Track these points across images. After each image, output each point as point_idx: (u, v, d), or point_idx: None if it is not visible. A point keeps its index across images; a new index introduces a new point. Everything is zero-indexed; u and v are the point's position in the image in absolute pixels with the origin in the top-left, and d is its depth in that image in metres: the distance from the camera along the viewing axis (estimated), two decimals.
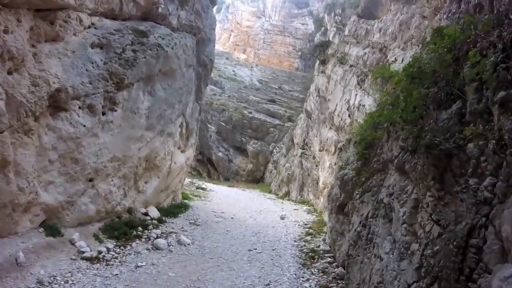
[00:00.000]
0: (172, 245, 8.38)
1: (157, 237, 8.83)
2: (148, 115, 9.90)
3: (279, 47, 42.72)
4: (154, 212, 10.65)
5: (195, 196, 16.09)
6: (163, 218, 10.58)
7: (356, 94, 13.28)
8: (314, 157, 19.22)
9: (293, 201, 19.33)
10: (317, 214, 14.08)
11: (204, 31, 14.09)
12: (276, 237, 9.91)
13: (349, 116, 13.51)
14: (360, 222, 5.91)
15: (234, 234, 9.76)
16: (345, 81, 15.13)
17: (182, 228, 9.86)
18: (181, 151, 12.75)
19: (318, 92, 19.46)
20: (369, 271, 4.68)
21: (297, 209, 15.57)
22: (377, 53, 13.28)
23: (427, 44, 4.38)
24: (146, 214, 10.42)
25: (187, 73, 12.21)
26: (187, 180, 22.80)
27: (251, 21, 44.74)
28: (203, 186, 20.33)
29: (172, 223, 10.40)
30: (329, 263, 7.74)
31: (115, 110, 8.89)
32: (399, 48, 11.84)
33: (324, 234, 10.26)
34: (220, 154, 33.17)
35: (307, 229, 11.27)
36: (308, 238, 9.99)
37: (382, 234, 4.67)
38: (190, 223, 10.57)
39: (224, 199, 16.11)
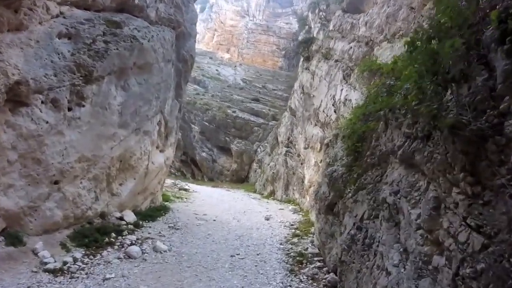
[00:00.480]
0: (147, 253, 7.53)
1: (131, 244, 7.98)
2: (121, 111, 9.04)
3: (263, 46, 42.14)
4: (130, 216, 9.78)
5: (177, 197, 15.21)
6: (140, 223, 9.72)
7: (342, 89, 12.69)
8: (299, 155, 18.59)
9: (278, 200, 18.62)
10: (303, 214, 13.39)
11: (185, 26, 13.29)
12: (260, 240, 9.14)
13: (334, 111, 12.91)
14: (354, 224, 5.20)
15: (215, 238, 8.95)
16: (330, 77, 14.53)
17: (160, 233, 9.01)
18: (160, 151, 11.88)
19: (302, 89, 18.84)
20: (371, 286, 3.95)
21: (282, 209, 14.85)
22: (363, 47, 12.73)
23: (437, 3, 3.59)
24: (121, 218, 9.55)
25: (165, 68, 11.38)
26: (170, 181, 21.87)
27: (235, 20, 44.05)
28: (186, 187, 19.44)
29: (150, 227, 9.55)
30: (319, 268, 7.00)
31: (83, 106, 8.03)
32: (386, 41, 11.29)
33: (311, 235, 9.57)
34: (204, 154, 32.25)
35: (293, 230, 10.56)
36: (295, 240, 9.27)
37: (387, 241, 3.90)
38: (169, 227, 9.73)
39: (207, 200, 15.29)
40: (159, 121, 11.48)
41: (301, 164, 17.87)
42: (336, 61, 14.44)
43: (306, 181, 15.95)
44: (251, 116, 31.73)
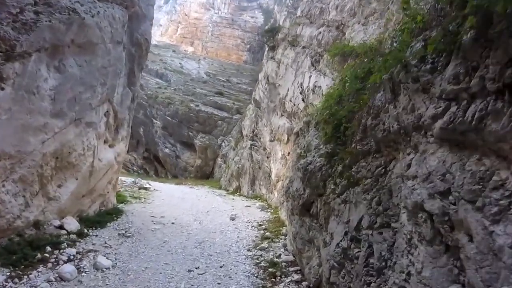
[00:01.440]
0: (86, 271, 5.90)
1: (69, 260, 6.34)
2: (55, 97, 7.27)
3: (228, 40, 40.49)
4: (72, 224, 8.06)
5: (134, 198, 13.48)
6: (85, 231, 8.03)
7: (311, 76, 11.55)
8: (264, 149, 17.37)
9: (244, 196, 17.29)
10: (272, 211, 12.12)
11: (139, 6, 11.56)
12: (225, 247, 7.69)
13: (302, 100, 11.75)
14: (346, 234, 3.93)
15: (172, 247, 7.39)
16: (297, 64, 13.36)
17: (105, 243, 7.34)
18: (109, 146, 10.14)
19: (267, 79, 17.57)
20: None
21: (249, 206, 13.49)
22: (333, 31, 11.62)
23: None
24: (61, 227, 7.82)
25: (114, 51, 9.66)
26: (130, 180, 19.92)
27: (200, 13, 42.00)
28: (146, 185, 17.63)
29: (96, 236, 7.88)
30: (297, 282, 5.62)
31: (2, 88, 6.24)
32: (359, 23, 10.21)
33: (283, 237, 8.30)
34: (166, 150, 30.29)
35: (262, 231, 9.22)
36: (265, 244, 7.91)
37: (434, 278, 2.39)
38: (119, 234, 8.09)
39: (168, 200, 13.65)
40: (107, 111, 9.75)
41: (267, 157, 16.67)
42: (304, 47, 13.28)
43: (273, 176, 14.77)
44: (214, 110, 30.14)
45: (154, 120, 31.16)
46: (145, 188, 16.92)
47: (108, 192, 10.41)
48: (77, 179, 8.42)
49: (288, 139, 12.54)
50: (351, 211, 3.94)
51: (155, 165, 32.65)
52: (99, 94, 8.93)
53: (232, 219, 10.50)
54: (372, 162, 3.66)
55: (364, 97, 4.04)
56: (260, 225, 9.88)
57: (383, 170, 3.45)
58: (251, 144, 19.03)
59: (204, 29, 40.88)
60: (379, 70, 3.50)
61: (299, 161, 7.20)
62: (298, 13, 15.10)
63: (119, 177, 21.04)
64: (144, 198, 13.76)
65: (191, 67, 37.06)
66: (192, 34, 41.33)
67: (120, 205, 11.64)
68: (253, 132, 19.45)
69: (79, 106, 8.06)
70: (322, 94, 10.32)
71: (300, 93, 11.94)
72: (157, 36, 41.87)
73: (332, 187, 4.65)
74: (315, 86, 10.87)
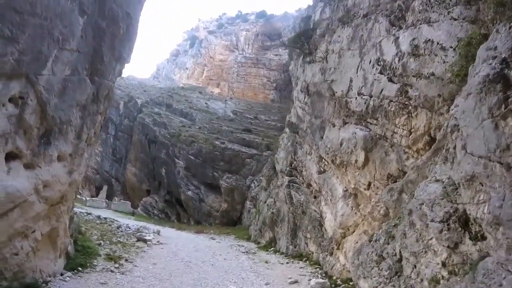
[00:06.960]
0: None
1: None
2: None
3: (253, 79, 36.43)
4: None
5: (110, 259, 7.81)
6: None
7: (397, 38, 6.06)
8: (309, 185, 11.42)
9: (283, 254, 11.05)
10: None
11: None
12: None
13: (390, 80, 6.06)
14: None
15: None
16: (359, 41, 8.00)
17: None
18: (24, 165, 4.74)
19: (307, 90, 12.13)
20: None
21: (296, 282, 7.17)
22: None
23: None
24: None
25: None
26: (136, 226, 14.36)
27: (224, 55, 38.76)
28: (148, 237, 11.92)
29: None
30: None
31: None
32: None
33: None
34: (189, 192, 24.70)
35: None
36: None
37: None
38: None
39: (161, 266, 7.78)
40: (22, 97, 4.52)
41: (315, 197, 10.68)
42: (366, 15, 7.92)
43: (329, 225, 8.73)
44: (242, 147, 24.76)
45: (177, 160, 26.16)
46: (144, 240, 11.22)
47: (16, 254, 4.80)
48: None
49: (366, 157, 6.67)
50: None
51: (177, 209, 27.02)
52: None
53: None
54: None
55: None
56: None
57: None
58: (289, 181, 13.10)
59: (230, 70, 37.25)
60: None
61: None
62: None
63: (126, 223, 15.34)
64: (126, 259, 8.03)
65: (217, 106, 32.75)
66: (218, 75, 37.75)
67: (65, 276, 6.02)
68: (291, 165, 13.58)
69: None
70: (443, 47, 4.63)
71: (381, 72, 6.34)
72: (183, 79, 38.68)
73: None
74: (417, 46, 5.27)
